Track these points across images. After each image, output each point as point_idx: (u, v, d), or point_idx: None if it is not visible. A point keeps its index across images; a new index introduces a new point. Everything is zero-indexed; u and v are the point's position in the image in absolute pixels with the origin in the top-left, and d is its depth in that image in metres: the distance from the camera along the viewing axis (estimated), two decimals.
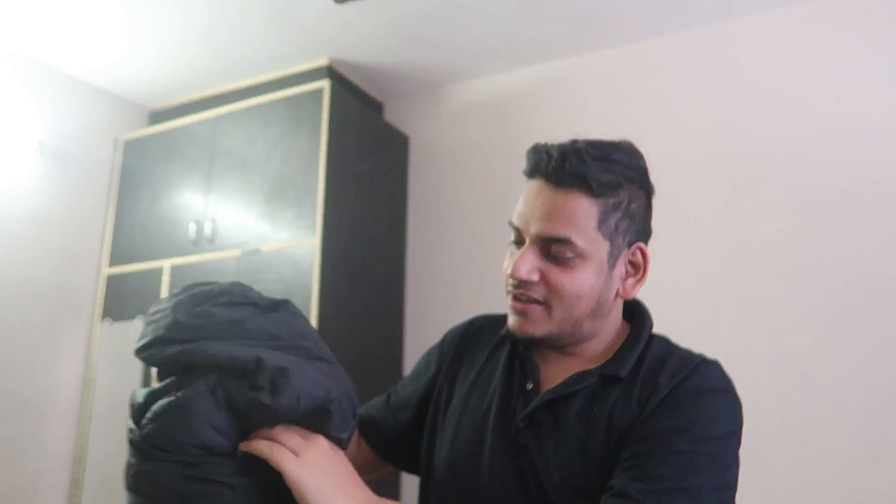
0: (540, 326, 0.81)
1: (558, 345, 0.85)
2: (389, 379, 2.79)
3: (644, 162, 0.85)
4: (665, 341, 0.86)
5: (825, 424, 2.14)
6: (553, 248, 0.79)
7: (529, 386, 0.84)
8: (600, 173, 0.78)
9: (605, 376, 0.80)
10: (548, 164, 0.80)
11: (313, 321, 2.43)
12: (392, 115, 3.26)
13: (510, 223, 0.84)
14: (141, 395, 0.69)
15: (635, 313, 0.89)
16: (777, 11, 2.51)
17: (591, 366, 0.83)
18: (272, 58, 2.93)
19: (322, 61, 2.92)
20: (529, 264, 0.80)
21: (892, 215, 2.21)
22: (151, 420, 0.66)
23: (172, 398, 0.66)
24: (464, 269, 2.87)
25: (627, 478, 0.70)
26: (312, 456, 0.67)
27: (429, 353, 1.01)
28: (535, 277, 0.80)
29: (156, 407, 0.66)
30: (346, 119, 2.77)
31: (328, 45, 2.83)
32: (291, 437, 0.68)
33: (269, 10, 2.58)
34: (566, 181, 0.78)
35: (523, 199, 0.83)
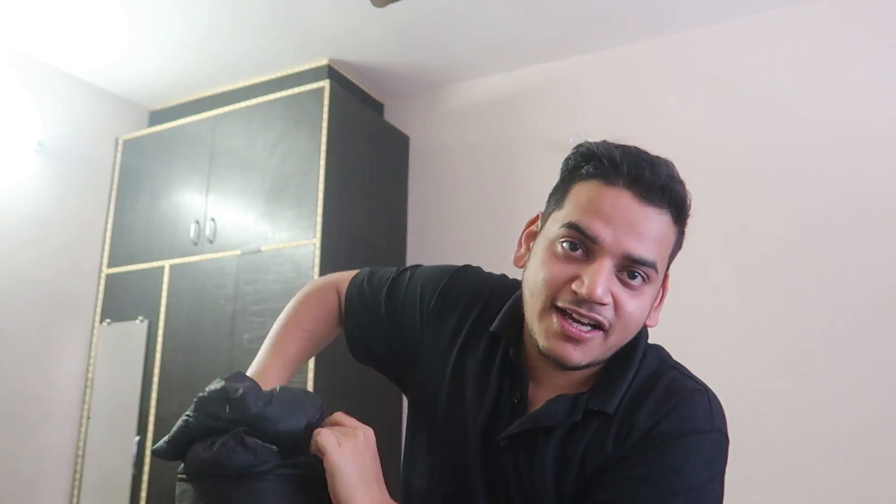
0: (588, 354, 0.72)
1: (583, 367, 0.77)
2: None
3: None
4: (657, 356, 0.79)
5: (825, 424, 2.14)
6: (634, 269, 0.70)
7: (516, 399, 0.79)
8: (685, 196, 0.72)
9: (591, 410, 0.73)
10: (638, 172, 0.70)
11: None
12: (392, 115, 3.26)
13: (575, 225, 0.71)
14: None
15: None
16: (777, 12, 2.51)
17: (579, 388, 0.77)
18: (272, 58, 2.93)
19: (322, 61, 2.92)
20: (606, 284, 0.69)
21: (892, 216, 2.21)
22: (195, 465, 0.70)
23: (209, 450, 0.69)
24: None
25: None
26: (351, 447, 0.69)
27: (419, 303, 0.92)
28: (609, 300, 0.70)
29: (198, 453, 0.71)
30: (346, 119, 2.77)
31: (328, 45, 2.83)
32: (341, 421, 0.72)
33: (269, 10, 2.58)
34: (658, 197, 0.70)
35: (595, 202, 0.71)
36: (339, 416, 0.74)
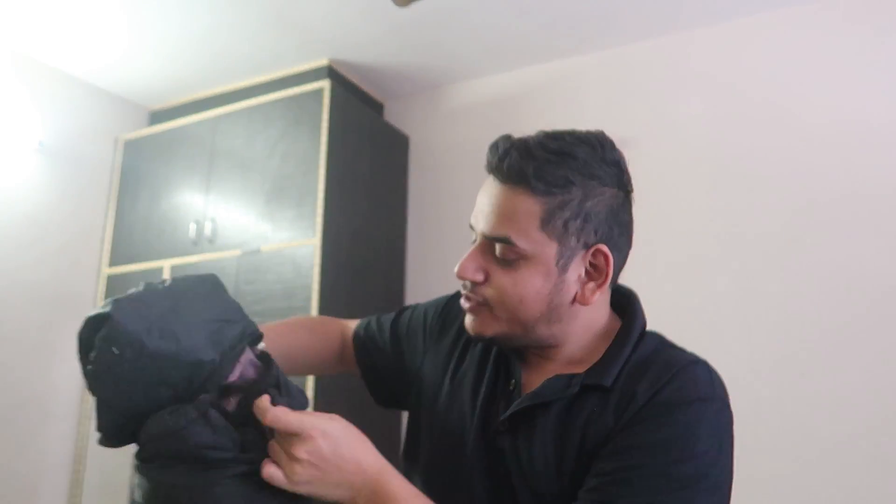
0: (489, 327, 0.78)
1: (520, 347, 0.81)
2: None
3: (617, 156, 0.78)
4: (657, 340, 0.81)
5: (825, 424, 2.14)
6: (497, 249, 0.76)
7: (511, 386, 0.81)
8: (545, 169, 0.73)
9: (588, 385, 0.75)
10: (493, 159, 0.77)
11: None
12: (392, 116, 3.26)
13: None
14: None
15: (627, 308, 0.83)
16: (777, 12, 2.51)
17: (574, 369, 0.78)
18: (272, 58, 2.93)
19: (322, 61, 2.92)
20: (475, 264, 0.78)
21: (891, 216, 2.21)
22: (148, 442, 0.64)
23: (166, 421, 0.63)
24: None
25: (592, 485, 0.68)
26: (306, 470, 0.65)
27: (423, 326, 0.99)
28: (480, 277, 0.77)
29: (151, 428, 0.64)
30: (346, 119, 2.77)
31: (328, 45, 2.83)
32: (286, 426, 0.66)
33: (269, 10, 2.58)
34: (509, 177, 0.75)
35: (479, 196, 0.80)
36: (279, 414, 0.65)
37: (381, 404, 1.00)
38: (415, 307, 1.02)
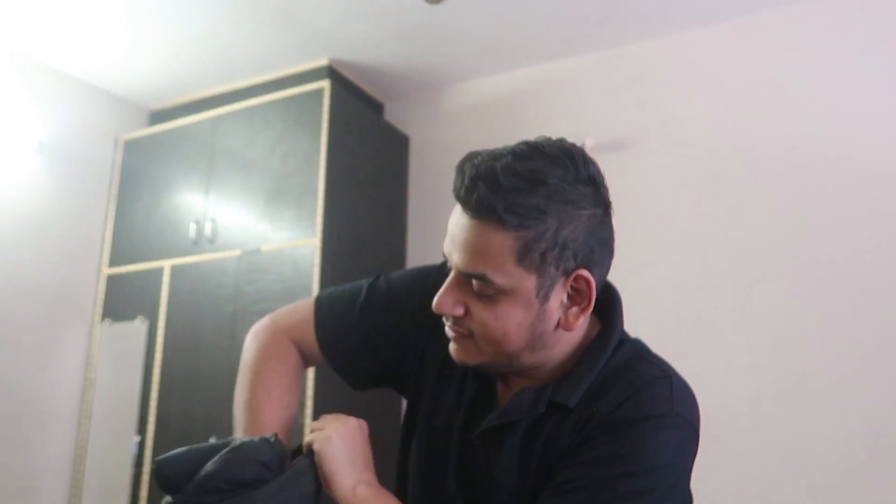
0: (473, 356, 0.76)
1: (502, 372, 0.80)
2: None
3: (591, 171, 0.72)
4: (632, 350, 0.79)
5: (825, 424, 2.14)
6: (474, 284, 0.72)
7: (492, 402, 0.81)
8: (516, 201, 0.68)
9: (554, 403, 0.74)
10: (461, 189, 0.72)
11: None
12: (392, 116, 3.26)
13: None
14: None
15: (608, 312, 0.80)
16: (777, 11, 2.51)
17: (546, 381, 0.77)
18: (272, 58, 2.93)
19: (322, 61, 2.92)
20: (453, 298, 0.74)
21: (892, 216, 2.21)
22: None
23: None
24: None
25: (544, 497, 0.70)
26: (337, 433, 0.77)
27: (413, 309, 0.90)
28: (460, 311, 0.74)
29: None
30: (346, 119, 2.77)
31: (328, 45, 2.83)
32: (328, 419, 0.80)
33: (269, 10, 2.58)
34: (478, 212, 0.70)
35: (450, 221, 0.75)
36: (330, 415, 0.81)
37: (359, 388, 0.95)
38: (387, 280, 0.93)
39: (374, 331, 0.89)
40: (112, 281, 3.03)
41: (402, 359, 0.90)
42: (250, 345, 0.94)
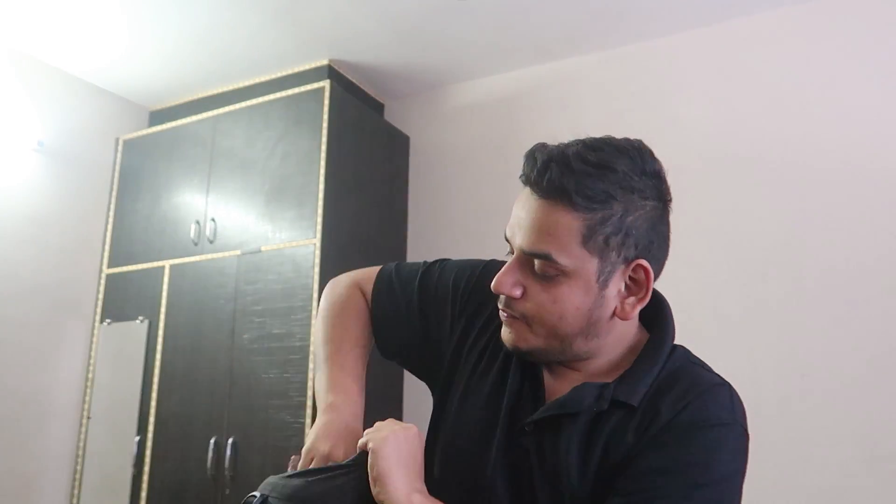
0: (525, 341, 0.77)
1: (552, 360, 0.81)
2: (389, 378, 2.78)
3: (657, 167, 0.77)
4: (684, 356, 0.80)
5: (825, 425, 2.14)
6: (536, 263, 0.74)
7: (539, 391, 0.81)
8: (586, 184, 0.71)
9: (616, 402, 0.74)
10: (531, 172, 0.74)
11: (313, 321, 2.43)
12: (392, 116, 3.26)
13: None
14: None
15: (657, 319, 0.82)
16: (777, 11, 2.50)
17: (600, 379, 0.78)
18: (272, 58, 2.93)
19: (322, 61, 2.92)
20: (513, 279, 0.76)
21: (892, 216, 2.21)
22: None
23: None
24: None
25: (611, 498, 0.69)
26: (394, 434, 0.75)
27: (453, 295, 0.94)
28: (518, 293, 0.76)
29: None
30: (346, 119, 2.77)
31: (328, 45, 2.83)
32: (386, 424, 0.78)
33: (269, 10, 2.58)
34: (549, 192, 0.72)
35: (515, 207, 0.78)
36: (387, 420, 0.79)
37: (386, 356, 1.00)
38: (442, 266, 0.98)
39: (414, 308, 0.95)
40: (112, 281, 3.03)
41: (435, 344, 0.93)
42: (329, 292, 1.01)
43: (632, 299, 0.76)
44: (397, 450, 0.74)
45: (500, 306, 0.79)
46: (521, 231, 0.75)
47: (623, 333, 0.80)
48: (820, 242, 2.28)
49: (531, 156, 0.75)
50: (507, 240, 0.78)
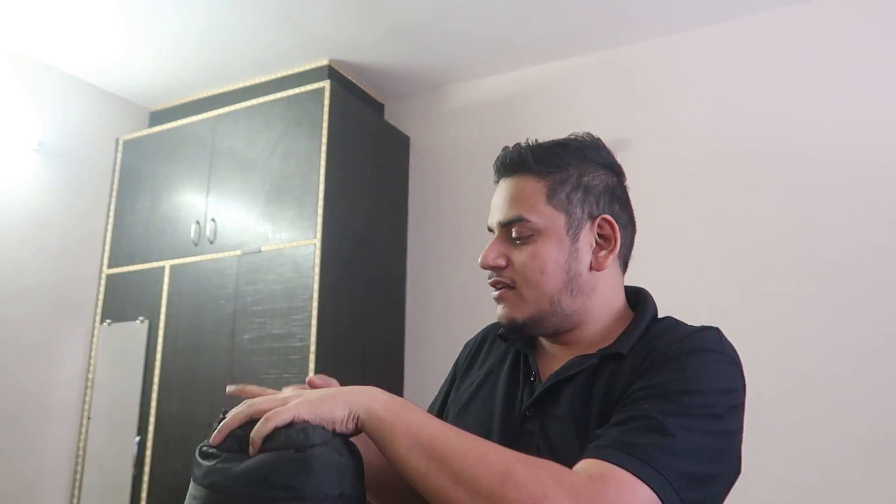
0: (518, 310, 0.84)
1: (549, 330, 0.85)
2: (389, 378, 2.79)
3: (606, 150, 0.88)
4: (674, 320, 0.86)
5: (825, 424, 2.14)
6: (513, 231, 0.83)
7: (532, 377, 0.85)
8: (541, 154, 0.84)
9: (606, 355, 0.80)
10: (496, 164, 0.88)
11: (313, 321, 2.44)
12: (392, 116, 3.26)
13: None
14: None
15: (639, 301, 0.88)
16: (777, 11, 2.51)
17: (591, 350, 0.83)
18: (272, 58, 2.93)
19: (322, 61, 2.92)
20: (495, 251, 0.85)
21: (892, 215, 2.21)
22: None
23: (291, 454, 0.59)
24: (464, 270, 2.87)
25: (605, 426, 0.71)
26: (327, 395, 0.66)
27: (453, 365, 1.03)
28: (503, 262, 0.84)
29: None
30: (346, 119, 2.77)
31: (328, 46, 2.83)
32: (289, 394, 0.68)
33: (269, 10, 2.58)
34: (512, 169, 0.86)
35: (492, 200, 0.89)
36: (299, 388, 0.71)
37: None
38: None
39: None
40: (112, 281, 3.03)
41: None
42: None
43: (603, 252, 0.84)
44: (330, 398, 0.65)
45: (489, 282, 0.86)
46: (496, 211, 0.86)
47: (608, 297, 0.86)
48: (820, 240, 2.28)
49: (497, 157, 0.89)
50: (489, 229, 0.89)
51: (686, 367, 0.73)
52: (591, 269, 0.83)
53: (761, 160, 2.42)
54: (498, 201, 0.87)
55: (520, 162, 0.85)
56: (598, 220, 0.84)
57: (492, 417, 0.85)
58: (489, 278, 0.87)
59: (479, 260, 0.85)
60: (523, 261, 0.82)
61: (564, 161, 0.84)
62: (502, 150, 0.89)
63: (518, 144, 0.87)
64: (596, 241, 0.84)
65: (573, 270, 0.82)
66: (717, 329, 0.82)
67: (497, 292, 0.86)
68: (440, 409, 0.99)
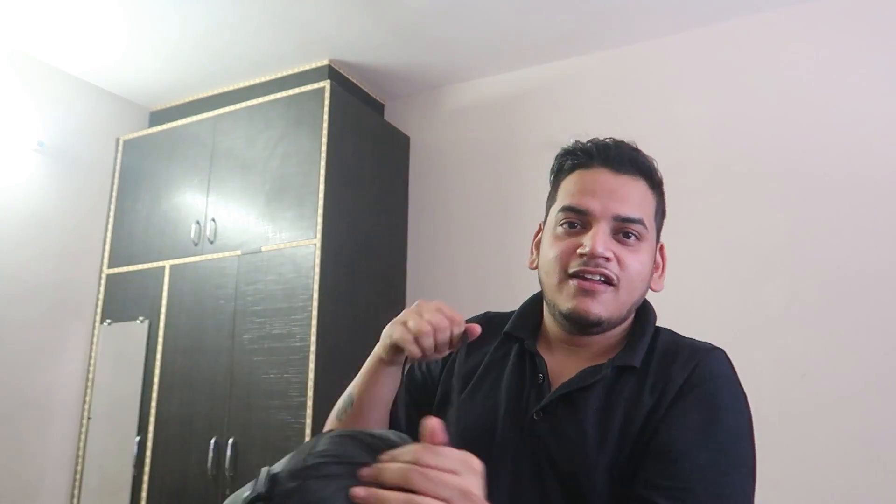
0: (605, 307, 0.81)
1: (601, 330, 0.85)
2: None
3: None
4: (670, 332, 0.88)
5: (825, 424, 2.14)
6: (627, 228, 0.82)
7: (540, 379, 0.85)
8: (651, 166, 0.87)
9: (620, 367, 0.81)
10: (606, 152, 0.85)
11: (313, 321, 2.44)
12: (393, 116, 3.26)
13: (567, 207, 0.83)
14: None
15: (639, 307, 0.90)
16: (777, 11, 2.51)
17: (600, 360, 0.84)
18: (272, 58, 2.93)
19: (322, 61, 2.92)
20: (606, 243, 0.81)
21: (892, 215, 2.21)
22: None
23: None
24: (464, 269, 2.87)
25: (655, 491, 0.71)
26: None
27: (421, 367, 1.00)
28: (611, 255, 0.81)
29: None
30: (346, 119, 2.77)
31: (328, 46, 2.83)
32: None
33: (269, 10, 2.58)
34: (629, 168, 0.84)
35: (579, 184, 0.84)
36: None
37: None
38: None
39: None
40: (112, 281, 3.03)
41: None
42: None
43: (657, 273, 0.89)
44: None
45: (582, 270, 0.81)
46: (612, 200, 0.82)
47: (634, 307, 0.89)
48: (820, 243, 2.28)
49: (592, 143, 0.86)
50: (577, 211, 0.83)
51: (712, 398, 0.76)
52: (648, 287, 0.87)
53: (761, 160, 2.42)
54: (607, 191, 0.82)
55: (641, 167, 0.85)
56: (659, 244, 0.90)
57: (496, 409, 0.84)
58: (580, 265, 0.80)
59: (588, 248, 0.79)
60: (631, 264, 0.82)
61: (661, 181, 0.88)
62: (587, 141, 0.87)
63: (624, 143, 0.87)
64: (655, 261, 0.88)
65: (646, 285, 0.86)
66: (722, 351, 0.84)
67: (590, 284, 0.80)
68: (426, 384, 0.96)
